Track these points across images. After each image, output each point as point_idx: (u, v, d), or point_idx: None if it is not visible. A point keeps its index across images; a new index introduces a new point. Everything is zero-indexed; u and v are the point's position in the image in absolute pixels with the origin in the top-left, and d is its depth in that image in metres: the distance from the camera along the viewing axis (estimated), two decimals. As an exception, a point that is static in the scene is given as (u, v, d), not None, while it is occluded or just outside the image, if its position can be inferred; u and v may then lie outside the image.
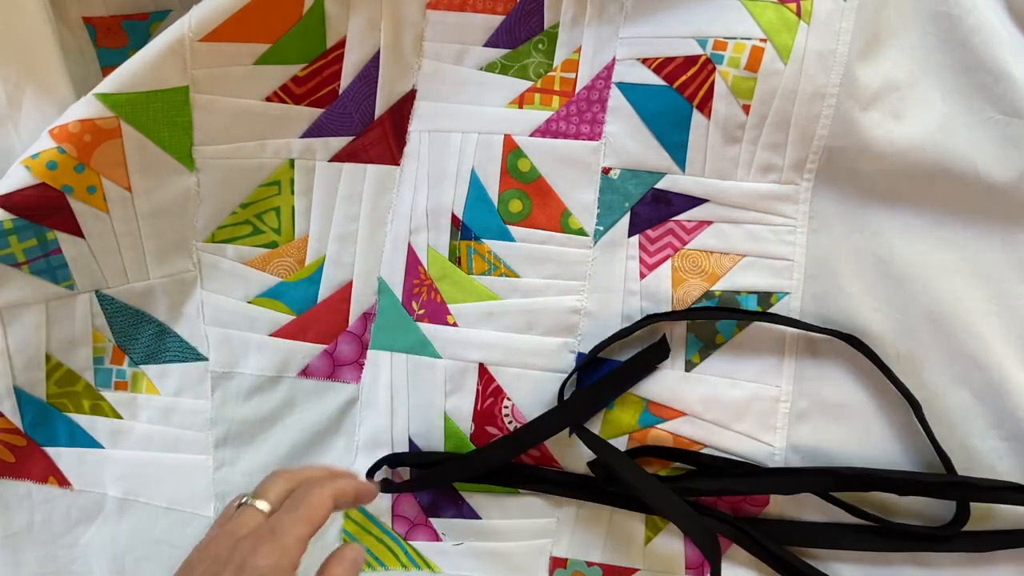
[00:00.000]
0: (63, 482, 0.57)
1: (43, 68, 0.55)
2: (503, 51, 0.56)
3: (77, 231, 0.53)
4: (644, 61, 0.54)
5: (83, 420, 0.57)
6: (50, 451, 0.57)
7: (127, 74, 0.51)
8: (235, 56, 0.53)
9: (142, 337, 0.57)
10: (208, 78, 0.53)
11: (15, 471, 0.57)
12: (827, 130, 0.52)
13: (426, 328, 0.56)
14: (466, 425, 0.56)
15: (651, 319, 0.54)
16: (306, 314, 0.57)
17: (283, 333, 0.57)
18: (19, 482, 0.57)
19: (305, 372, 0.58)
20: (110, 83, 0.51)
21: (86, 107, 0.51)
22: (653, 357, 0.55)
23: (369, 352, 0.58)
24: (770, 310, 0.54)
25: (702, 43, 0.52)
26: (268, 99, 0.55)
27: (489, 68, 0.56)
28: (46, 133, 0.51)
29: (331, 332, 0.58)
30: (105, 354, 0.57)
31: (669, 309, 0.55)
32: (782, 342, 0.55)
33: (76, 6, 0.58)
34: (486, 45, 0.56)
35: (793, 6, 0.52)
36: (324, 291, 0.57)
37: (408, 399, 0.57)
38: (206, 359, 0.57)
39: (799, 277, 0.54)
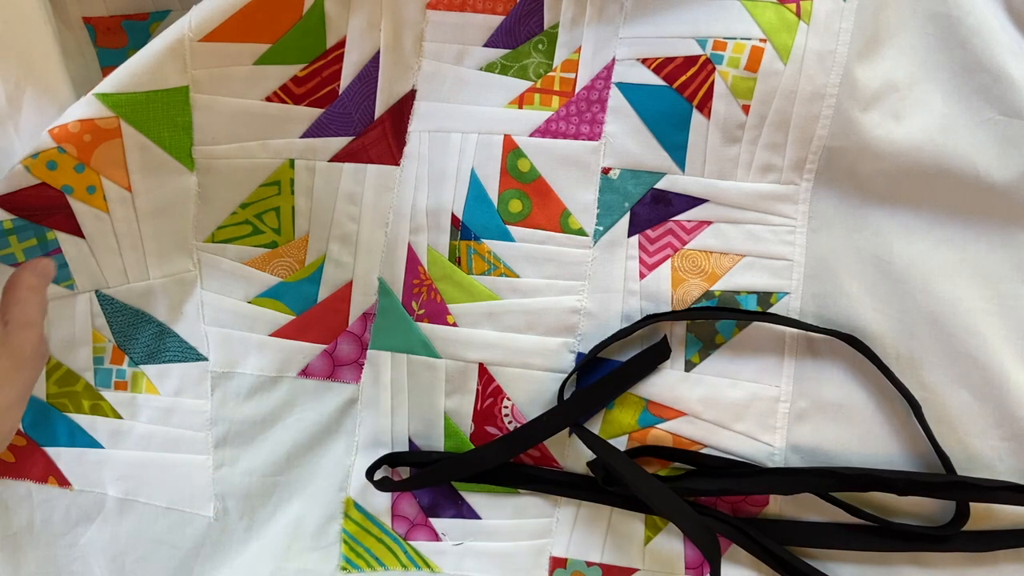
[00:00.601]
0: (63, 482, 0.57)
1: (43, 68, 0.54)
2: (503, 51, 0.56)
3: (77, 231, 0.53)
4: (644, 61, 0.54)
5: (83, 420, 0.57)
6: (50, 451, 0.57)
7: (127, 74, 0.51)
8: (235, 56, 0.53)
9: (142, 337, 0.57)
10: (208, 78, 0.52)
11: (15, 471, 0.57)
12: (827, 130, 0.52)
13: (426, 328, 0.56)
14: (466, 425, 0.56)
15: (651, 319, 0.54)
16: (306, 314, 0.57)
17: (283, 333, 0.57)
18: (19, 482, 0.57)
19: (305, 372, 0.58)
20: (110, 83, 0.51)
21: (86, 107, 0.51)
22: (654, 357, 0.55)
23: (369, 352, 0.58)
24: (770, 310, 0.54)
25: (702, 43, 0.53)
26: (268, 99, 0.54)
27: (489, 68, 0.56)
28: (46, 133, 0.51)
29: (331, 332, 0.57)
30: (105, 354, 0.57)
31: (669, 309, 0.55)
32: (782, 342, 0.55)
33: (76, 6, 0.57)
34: (486, 45, 0.56)
35: (793, 6, 0.52)
36: (324, 291, 0.57)
37: (408, 399, 0.57)
38: (206, 359, 0.57)
39: (799, 277, 0.54)
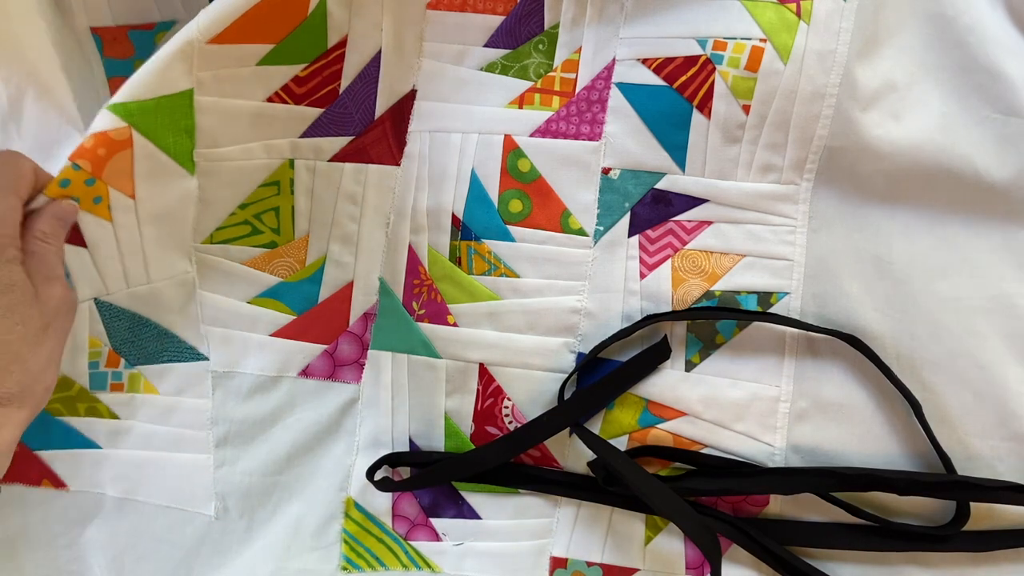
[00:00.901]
0: (58, 484, 0.57)
1: (43, 71, 0.54)
2: (503, 51, 0.56)
3: (80, 241, 0.52)
4: (644, 61, 0.54)
5: (78, 423, 0.56)
6: (44, 455, 0.56)
7: (138, 82, 0.50)
8: (240, 57, 0.52)
9: (139, 340, 0.56)
10: (212, 80, 0.52)
11: (7, 475, 0.56)
12: (827, 130, 0.53)
13: (426, 328, 0.56)
14: (466, 425, 0.56)
15: (651, 319, 0.54)
16: (307, 314, 0.57)
17: (284, 333, 0.57)
18: (11, 486, 0.56)
19: (306, 372, 0.58)
20: (123, 93, 0.50)
21: (100, 120, 0.50)
22: (654, 357, 0.55)
23: (370, 352, 0.58)
24: (770, 310, 0.54)
25: (702, 43, 0.53)
26: (270, 99, 0.54)
27: (489, 68, 0.56)
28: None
29: (332, 332, 0.57)
30: (100, 358, 0.56)
31: (669, 309, 0.55)
32: (782, 342, 0.55)
33: (84, 16, 0.57)
34: (486, 45, 0.56)
35: (793, 6, 0.52)
36: (325, 291, 0.57)
37: (408, 399, 0.57)
38: (206, 358, 0.57)
39: (799, 277, 0.54)
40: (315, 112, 0.55)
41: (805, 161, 0.53)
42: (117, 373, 0.56)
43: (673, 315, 0.54)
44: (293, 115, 0.55)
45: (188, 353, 0.57)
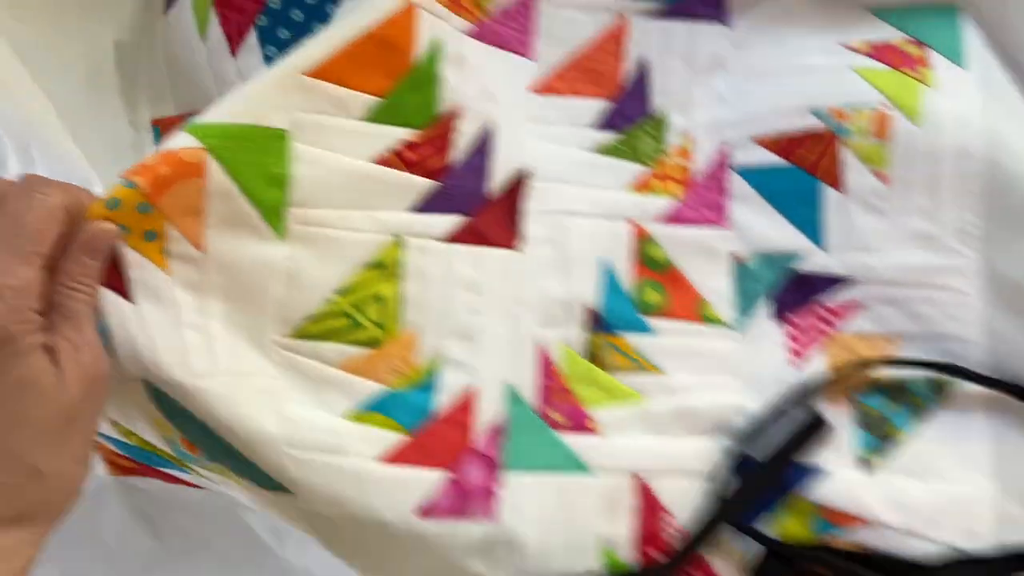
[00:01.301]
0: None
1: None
2: (615, 134, 0.51)
3: (121, 288, 0.38)
4: (759, 140, 0.51)
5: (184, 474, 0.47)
6: (163, 470, 0.50)
7: (224, 105, 0.41)
8: (343, 103, 0.44)
9: (212, 445, 0.41)
10: (313, 126, 0.43)
11: (140, 471, 0.51)
12: (980, 187, 0.49)
13: (569, 439, 0.46)
14: (628, 554, 0.45)
15: (804, 396, 0.47)
16: (420, 431, 0.44)
17: (393, 457, 0.44)
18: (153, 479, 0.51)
19: (427, 511, 0.44)
20: (207, 115, 0.41)
21: (172, 139, 0.40)
22: (811, 435, 0.47)
23: (504, 475, 0.45)
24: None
25: (818, 114, 0.50)
26: (378, 162, 0.45)
27: (603, 151, 0.51)
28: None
29: (453, 453, 0.44)
30: (174, 439, 0.42)
31: (828, 401, 0.48)
32: (976, 429, 0.48)
33: (148, 108, 0.55)
34: (597, 128, 0.51)
35: (910, 70, 0.50)
36: (442, 400, 0.45)
37: (559, 533, 0.45)
38: (291, 493, 0.42)
39: (981, 359, 0.48)
40: (426, 183, 0.46)
41: (967, 224, 0.49)
42: (199, 460, 0.43)
43: (827, 382, 0.47)
44: (403, 184, 0.46)
45: (270, 484, 0.42)
